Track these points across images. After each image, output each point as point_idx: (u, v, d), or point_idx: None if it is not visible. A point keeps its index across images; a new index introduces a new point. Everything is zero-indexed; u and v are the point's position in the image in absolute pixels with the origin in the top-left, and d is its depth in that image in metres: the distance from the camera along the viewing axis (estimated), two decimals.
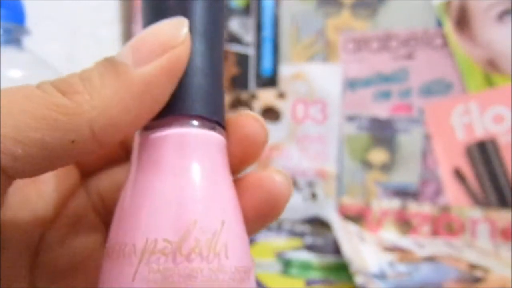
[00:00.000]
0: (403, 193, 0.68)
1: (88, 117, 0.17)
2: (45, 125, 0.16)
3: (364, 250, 0.58)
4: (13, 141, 0.16)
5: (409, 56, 0.67)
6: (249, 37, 0.70)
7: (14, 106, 0.16)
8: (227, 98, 0.70)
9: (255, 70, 0.70)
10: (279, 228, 0.68)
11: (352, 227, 0.66)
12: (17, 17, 0.45)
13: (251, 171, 0.21)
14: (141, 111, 0.18)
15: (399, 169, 0.68)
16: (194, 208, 0.18)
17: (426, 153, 0.67)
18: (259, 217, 0.20)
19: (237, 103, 0.70)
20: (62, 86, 0.17)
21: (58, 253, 0.21)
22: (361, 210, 0.68)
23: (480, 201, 0.65)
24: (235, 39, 0.70)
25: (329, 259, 0.59)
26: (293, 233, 0.67)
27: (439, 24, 0.66)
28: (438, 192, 0.66)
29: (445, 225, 0.65)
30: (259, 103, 0.70)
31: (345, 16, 0.68)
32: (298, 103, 0.70)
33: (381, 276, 0.51)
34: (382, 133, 0.68)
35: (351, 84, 0.69)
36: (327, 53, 0.69)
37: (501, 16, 0.63)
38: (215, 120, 0.19)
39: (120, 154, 0.23)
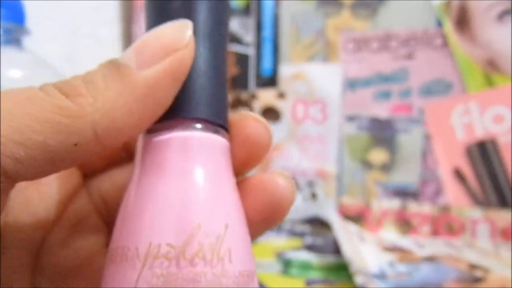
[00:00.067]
0: (403, 193, 0.68)
1: (91, 119, 0.16)
2: (48, 128, 0.16)
3: (364, 250, 0.58)
4: (16, 144, 0.16)
5: (409, 56, 0.67)
6: (249, 37, 0.70)
7: (17, 108, 0.16)
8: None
9: (255, 70, 0.70)
10: (279, 228, 0.68)
11: (352, 227, 0.66)
12: (17, 17, 0.45)
13: (254, 174, 0.21)
14: (144, 114, 0.17)
15: (399, 169, 0.68)
16: (197, 212, 0.18)
17: (426, 153, 0.67)
18: (263, 220, 0.20)
19: (237, 103, 0.70)
20: (65, 89, 0.17)
21: (60, 255, 0.21)
22: (361, 210, 0.68)
23: (480, 201, 0.65)
24: (235, 39, 0.70)
25: (329, 259, 0.59)
26: (293, 233, 0.67)
27: (439, 24, 0.66)
28: (438, 192, 0.66)
29: (445, 225, 0.65)
30: (259, 103, 0.70)
31: (345, 16, 0.68)
32: (298, 103, 0.70)
33: (381, 276, 0.51)
34: (382, 133, 0.68)
35: (351, 84, 0.68)
36: (327, 53, 0.69)
37: (501, 16, 0.63)
38: (218, 123, 0.19)
39: (122, 156, 0.23)
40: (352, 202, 0.69)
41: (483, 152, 0.65)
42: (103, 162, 0.23)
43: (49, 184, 0.21)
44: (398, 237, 0.66)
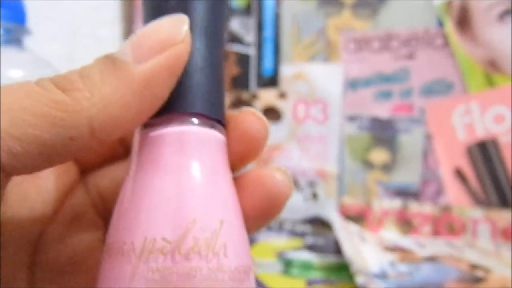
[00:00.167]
0: (404, 193, 0.68)
1: (87, 114, 0.16)
2: (44, 122, 0.16)
3: (365, 250, 0.58)
4: (12, 138, 0.16)
5: (410, 56, 0.67)
6: (250, 37, 0.70)
7: (13, 102, 0.16)
8: (228, 99, 0.70)
9: (256, 70, 0.70)
10: (280, 228, 0.68)
11: (353, 227, 0.66)
12: (18, 17, 0.45)
13: (251, 169, 0.21)
14: (140, 108, 0.17)
15: (400, 169, 0.68)
16: (193, 207, 0.18)
17: (427, 153, 0.67)
18: (260, 215, 0.20)
19: (238, 103, 0.70)
20: (61, 83, 0.17)
21: (57, 250, 0.21)
22: (362, 210, 0.68)
23: (481, 201, 0.65)
24: (236, 39, 0.70)
25: (330, 259, 0.59)
26: (294, 233, 0.67)
27: (440, 24, 0.66)
28: (439, 192, 0.66)
29: (446, 225, 0.65)
30: (260, 103, 0.70)
31: (346, 16, 0.68)
32: (299, 103, 0.70)
33: (382, 276, 0.51)
34: (383, 133, 0.68)
35: (352, 84, 0.68)
36: (328, 53, 0.69)
37: (502, 16, 0.63)
38: (215, 118, 0.19)
39: (120, 151, 0.23)
40: (353, 202, 0.68)
41: (484, 152, 0.65)
42: (101, 158, 0.23)
43: (46, 179, 0.21)
44: (399, 237, 0.66)
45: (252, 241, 0.64)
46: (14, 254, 0.20)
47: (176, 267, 0.17)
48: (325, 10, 0.69)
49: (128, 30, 0.71)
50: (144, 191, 0.18)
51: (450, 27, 0.65)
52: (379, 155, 0.68)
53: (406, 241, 0.64)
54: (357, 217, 0.68)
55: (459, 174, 0.66)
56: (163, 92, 0.18)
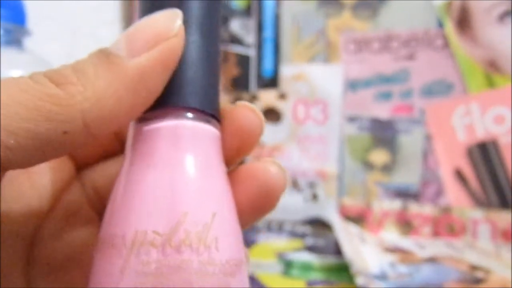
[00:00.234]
0: (404, 194, 0.67)
1: (81, 108, 0.16)
2: (38, 116, 0.16)
3: (365, 251, 0.58)
4: (5, 132, 0.16)
5: (410, 57, 0.67)
6: (250, 38, 0.70)
7: (7, 97, 0.16)
8: (228, 99, 0.70)
9: (256, 71, 0.70)
10: (280, 229, 0.67)
11: (353, 228, 0.66)
12: (18, 17, 0.45)
13: (246, 163, 0.21)
14: (134, 102, 0.18)
15: (400, 170, 0.68)
16: (185, 200, 0.18)
17: (427, 154, 0.67)
18: (254, 209, 0.20)
19: None
20: (55, 77, 0.17)
21: (53, 246, 0.21)
22: (362, 211, 0.68)
23: (481, 202, 0.65)
24: (236, 40, 0.71)
25: (330, 260, 0.59)
26: (294, 234, 0.67)
27: (440, 24, 0.66)
28: (439, 193, 0.66)
29: (446, 226, 0.65)
30: (260, 104, 0.70)
31: (346, 17, 0.68)
32: (299, 103, 0.70)
33: (382, 277, 0.51)
34: (383, 133, 0.68)
35: (352, 85, 0.68)
36: (328, 53, 0.69)
37: (502, 16, 0.63)
38: (209, 112, 0.19)
39: (115, 147, 0.23)
40: (353, 203, 0.68)
41: (484, 153, 0.64)
42: (96, 153, 0.23)
43: (41, 175, 0.21)
44: (399, 238, 0.65)
45: (252, 242, 0.64)
46: (10, 249, 0.20)
47: (167, 259, 0.17)
48: (325, 11, 0.69)
49: None
50: (137, 184, 0.18)
51: (450, 27, 0.65)
52: (379, 156, 0.68)
53: (406, 242, 0.64)
54: (357, 218, 0.68)
55: (459, 175, 0.65)
56: (157, 86, 0.18)
